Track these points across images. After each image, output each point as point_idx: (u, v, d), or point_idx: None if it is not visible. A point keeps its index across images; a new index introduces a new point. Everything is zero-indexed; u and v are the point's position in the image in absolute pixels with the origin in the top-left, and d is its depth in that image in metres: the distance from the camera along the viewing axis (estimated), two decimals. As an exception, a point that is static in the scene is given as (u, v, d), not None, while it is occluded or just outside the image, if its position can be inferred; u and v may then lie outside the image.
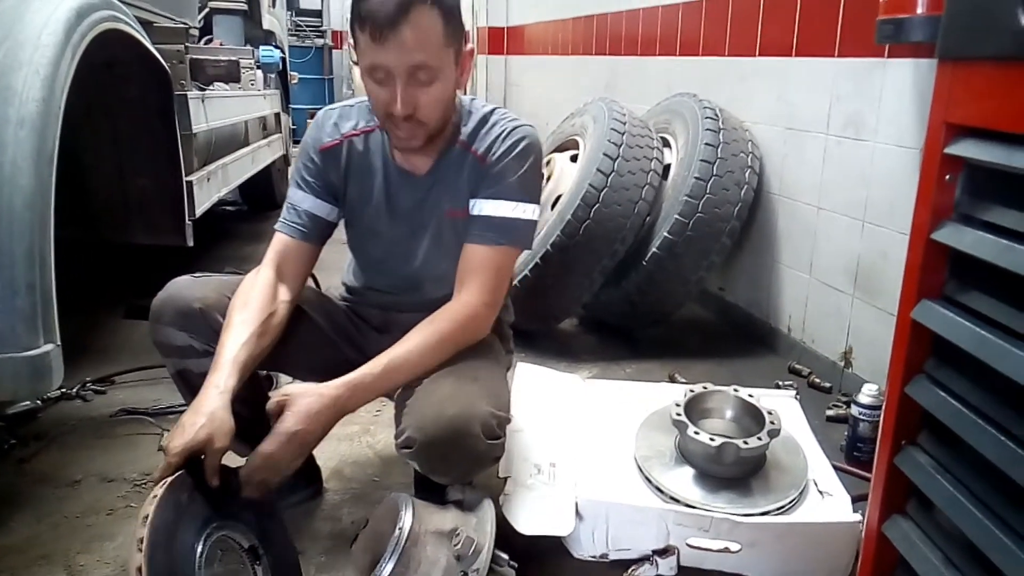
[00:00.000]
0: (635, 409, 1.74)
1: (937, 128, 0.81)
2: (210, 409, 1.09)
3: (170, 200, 1.99)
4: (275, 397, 1.17)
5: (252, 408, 1.25)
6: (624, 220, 2.45)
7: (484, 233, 1.34)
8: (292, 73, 5.25)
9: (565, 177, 2.69)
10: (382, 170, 1.42)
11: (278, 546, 1.20)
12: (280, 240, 1.41)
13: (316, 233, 1.43)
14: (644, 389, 1.95)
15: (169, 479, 1.01)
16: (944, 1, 0.82)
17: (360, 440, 1.94)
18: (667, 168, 2.66)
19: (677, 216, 2.44)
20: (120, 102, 1.84)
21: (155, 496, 0.98)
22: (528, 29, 5.97)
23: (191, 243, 2.17)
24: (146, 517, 0.94)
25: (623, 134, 2.54)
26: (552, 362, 2.37)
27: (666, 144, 2.76)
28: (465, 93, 1.46)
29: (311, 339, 1.47)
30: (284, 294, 1.35)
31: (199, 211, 2.29)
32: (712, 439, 1.46)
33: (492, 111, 1.41)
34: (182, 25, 2.40)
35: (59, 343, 1.15)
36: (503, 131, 1.36)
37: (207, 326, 1.31)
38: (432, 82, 1.22)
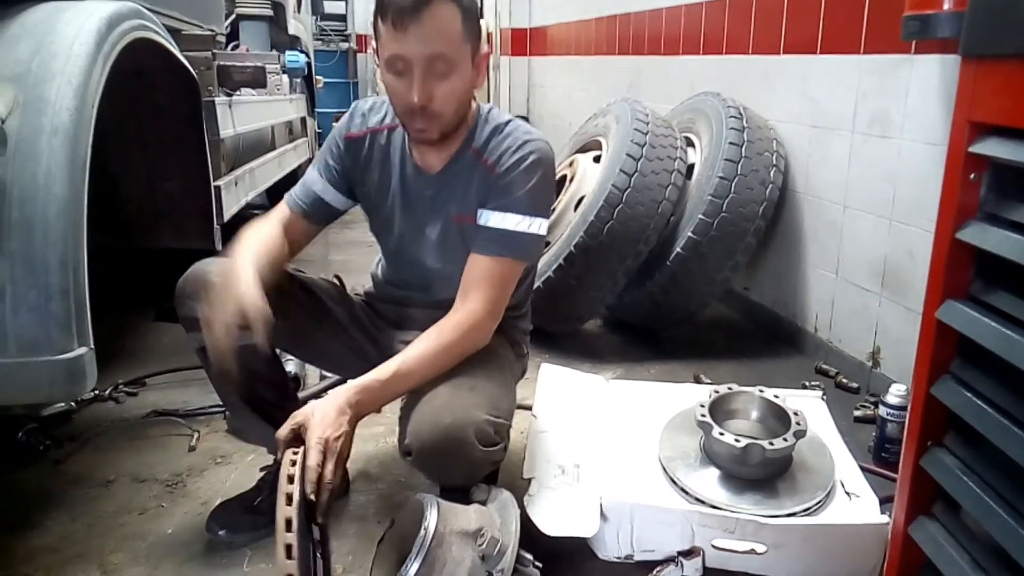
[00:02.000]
0: (659, 410, 1.74)
1: (961, 127, 0.80)
2: (246, 288, 1.20)
3: (198, 205, 2.03)
4: (287, 424, 1.19)
5: (277, 390, 1.45)
6: (648, 220, 2.45)
7: (489, 244, 1.36)
8: (317, 77, 5.31)
9: (588, 178, 2.70)
10: (399, 165, 1.47)
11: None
12: (285, 208, 1.50)
13: (317, 215, 1.51)
14: (668, 390, 1.94)
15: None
16: (969, -2, 0.81)
17: (386, 440, 1.95)
18: (691, 168, 2.65)
19: (701, 216, 2.43)
20: (149, 109, 1.87)
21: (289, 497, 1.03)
22: (551, 30, 5.98)
23: (220, 247, 2.20)
24: (288, 520, 1.00)
25: (646, 134, 2.53)
26: (576, 363, 2.37)
27: (690, 144, 2.75)
28: (486, 98, 1.48)
29: (331, 330, 1.55)
30: (285, 247, 1.44)
31: (227, 215, 2.32)
32: (737, 440, 1.45)
33: (508, 122, 1.42)
34: (209, 32, 2.43)
35: (92, 347, 1.18)
36: (514, 143, 1.38)
37: None
38: (449, 74, 1.27)
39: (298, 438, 1.17)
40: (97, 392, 2.15)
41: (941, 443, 0.85)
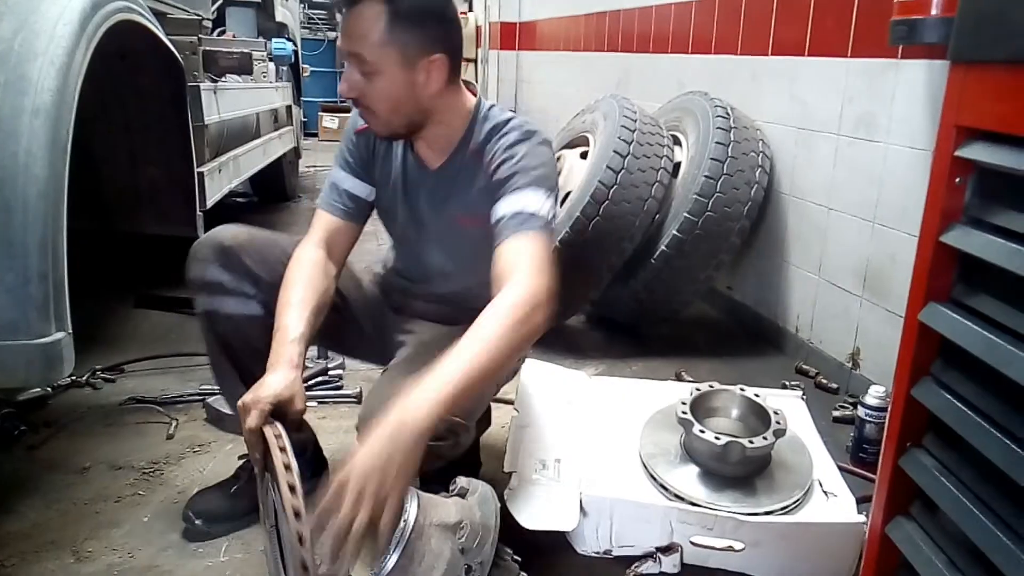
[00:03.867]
0: (641, 406, 1.74)
1: (948, 130, 0.81)
2: (289, 377, 1.17)
3: (181, 190, 2.00)
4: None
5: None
6: (633, 217, 2.45)
7: (513, 226, 1.27)
8: (304, 66, 5.26)
9: (575, 174, 2.70)
10: (402, 156, 1.47)
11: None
12: (323, 218, 1.46)
13: (357, 212, 1.49)
14: (650, 387, 1.95)
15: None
16: (957, 3, 0.81)
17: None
18: (677, 166, 2.66)
19: (687, 214, 2.44)
20: (133, 92, 1.85)
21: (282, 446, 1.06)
22: (540, 25, 5.97)
23: (202, 234, 2.18)
24: (292, 486, 1.00)
25: (633, 131, 2.54)
26: (559, 359, 2.38)
27: (677, 142, 2.76)
28: (476, 95, 1.45)
29: (339, 315, 1.52)
30: (331, 270, 1.41)
31: (210, 202, 2.30)
32: (718, 438, 1.46)
33: (507, 120, 1.39)
34: (195, 17, 2.41)
35: (70, 331, 1.16)
36: (513, 140, 1.35)
37: (239, 262, 1.38)
38: (371, 76, 1.26)
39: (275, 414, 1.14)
40: (74, 377, 2.12)
41: (920, 444, 0.86)
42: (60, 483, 1.67)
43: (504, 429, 1.81)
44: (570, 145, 2.95)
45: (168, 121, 1.91)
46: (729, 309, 3.01)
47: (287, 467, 1.03)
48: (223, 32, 3.62)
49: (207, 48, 2.42)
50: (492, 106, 1.43)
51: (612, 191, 2.43)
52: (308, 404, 1.22)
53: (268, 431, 1.09)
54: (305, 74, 5.28)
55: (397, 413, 1.03)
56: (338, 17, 1.26)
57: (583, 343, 2.69)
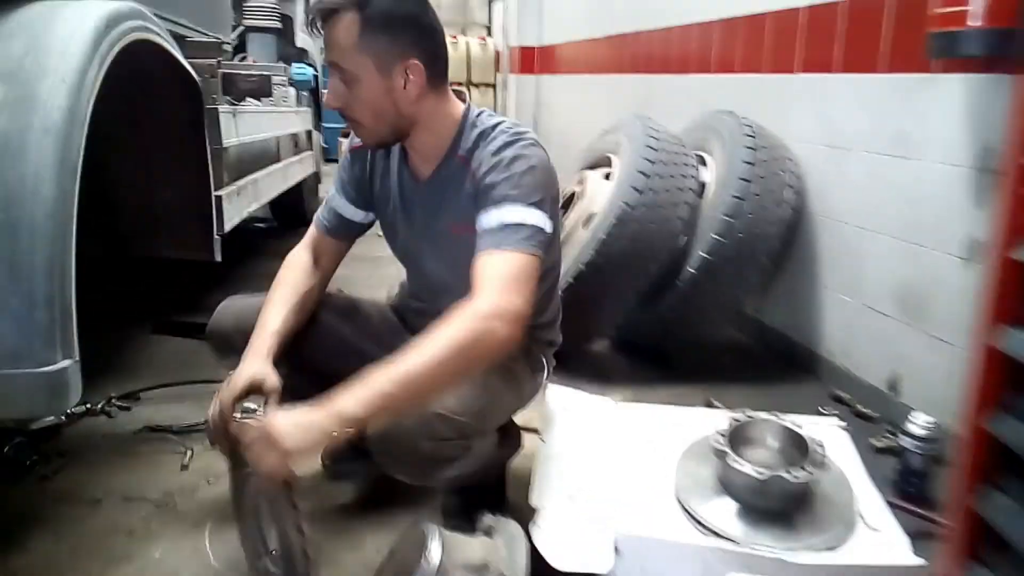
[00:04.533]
0: (672, 436, 1.67)
1: (1020, 140, 0.74)
2: (256, 364, 1.28)
3: (198, 215, 1.97)
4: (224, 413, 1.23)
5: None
6: (659, 239, 2.38)
7: (488, 240, 1.26)
8: (324, 91, 5.27)
9: (598, 195, 2.64)
10: (397, 171, 1.48)
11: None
12: (313, 230, 1.56)
13: (342, 231, 1.54)
14: (681, 415, 1.87)
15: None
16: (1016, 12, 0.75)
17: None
18: (703, 186, 2.59)
19: (714, 235, 2.37)
20: (150, 114, 1.82)
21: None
22: (559, 48, 5.95)
23: (219, 258, 2.14)
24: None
25: (658, 151, 2.48)
26: (583, 384, 2.29)
27: (702, 162, 2.69)
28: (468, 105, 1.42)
29: (337, 348, 1.51)
30: (317, 275, 1.51)
31: (228, 226, 2.26)
32: (760, 472, 1.38)
33: (495, 125, 1.37)
34: (215, 40, 2.39)
35: (78, 359, 1.11)
36: (499, 145, 1.33)
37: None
38: (352, 85, 1.29)
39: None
40: (88, 406, 2.07)
41: (995, 483, 0.78)
42: (71, 516, 1.61)
43: (530, 459, 1.74)
44: (593, 166, 2.89)
45: (186, 144, 1.89)
46: (758, 333, 2.92)
47: None
48: (244, 58, 3.63)
49: (226, 71, 2.41)
50: (482, 112, 1.42)
51: (637, 212, 2.37)
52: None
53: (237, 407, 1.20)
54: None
55: (330, 399, 1.10)
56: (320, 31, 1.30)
57: (608, 368, 2.61)
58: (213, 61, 2.22)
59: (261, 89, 2.56)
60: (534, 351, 1.53)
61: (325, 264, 1.53)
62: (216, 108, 2.16)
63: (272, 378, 1.28)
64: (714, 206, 2.45)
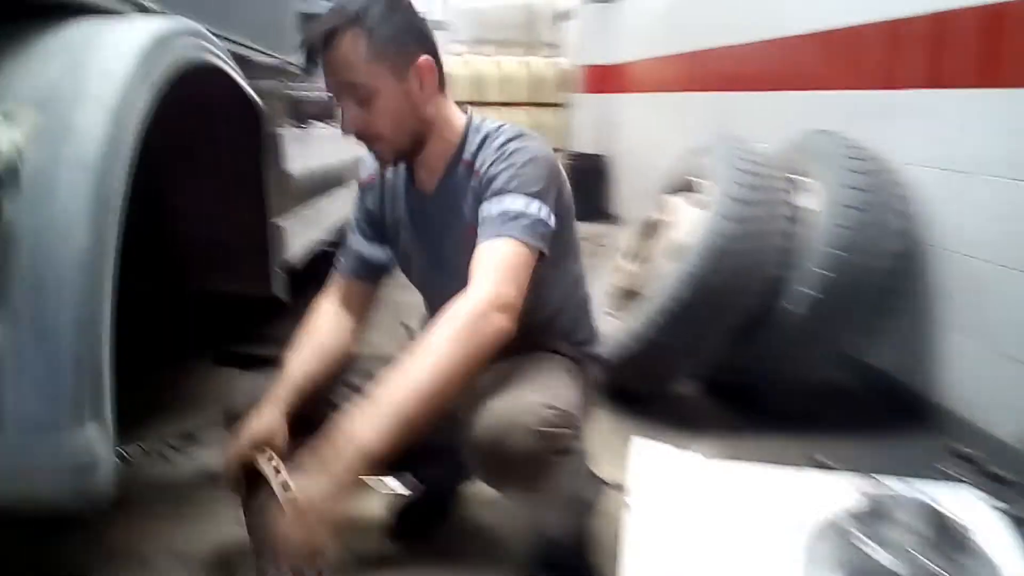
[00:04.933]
0: (782, 504, 1.44)
1: None
2: (268, 416, 1.28)
3: (256, 246, 1.84)
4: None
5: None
6: (755, 273, 2.16)
7: (486, 230, 1.25)
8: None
9: (684, 224, 2.43)
10: (404, 194, 1.44)
11: None
12: (336, 277, 1.49)
13: (364, 273, 1.48)
14: (791, 478, 1.63)
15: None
16: None
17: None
18: (800, 214, 2.35)
19: (816, 269, 2.13)
20: (208, 141, 1.70)
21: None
22: (632, 66, 5.75)
23: (283, 295, 2.00)
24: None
25: (751, 176, 2.26)
26: (667, 431, 2.11)
27: (800, 188, 2.46)
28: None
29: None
30: (346, 322, 1.45)
31: (294, 258, 2.14)
32: (899, 562, 1.15)
33: (499, 127, 1.35)
34: (281, 61, 2.28)
35: (109, 424, 0.96)
36: (502, 141, 1.31)
37: None
38: (370, 101, 1.26)
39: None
40: (143, 446, 1.97)
41: None
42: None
43: (612, 520, 1.54)
44: (675, 191, 2.68)
45: (245, 171, 1.76)
46: (863, 376, 2.63)
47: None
48: (309, 78, 3.55)
49: (291, 93, 2.30)
50: (485, 119, 1.40)
51: (729, 243, 2.15)
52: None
53: (261, 458, 1.20)
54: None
55: (344, 438, 1.07)
56: (319, 64, 1.27)
57: (695, 413, 2.39)
58: (278, 83, 2.11)
59: (327, 113, 2.45)
60: (572, 354, 1.45)
61: (355, 310, 1.46)
62: (278, 133, 2.04)
63: (279, 437, 1.27)
64: (815, 236, 2.21)
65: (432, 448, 1.24)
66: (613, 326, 2.45)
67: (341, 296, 1.46)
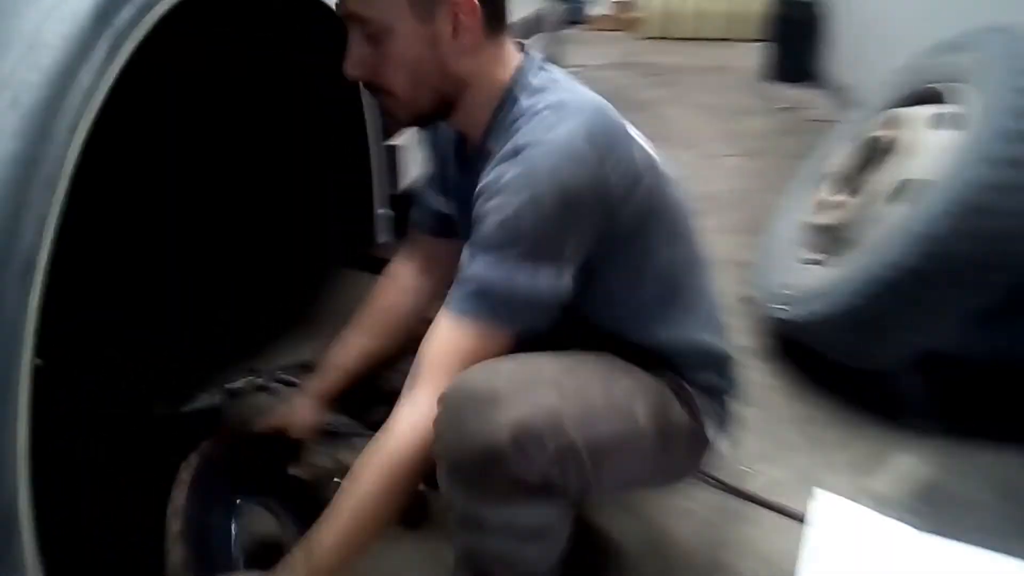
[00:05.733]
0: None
1: None
2: (296, 404, 1.31)
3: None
4: None
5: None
6: (1018, 240, 1.55)
7: (452, 295, 1.00)
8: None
9: (921, 153, 1.80)
10: (454, 153, 1.18)
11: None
12: (410, 236, 1.37)
13: (442, 228, 1.29)
14: (975, 563, 1.15)
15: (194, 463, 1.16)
16: None
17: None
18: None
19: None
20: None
21: (182, 482, 1.12)
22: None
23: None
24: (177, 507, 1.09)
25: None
26: (867, 425, 1.74)
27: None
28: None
29: None
30: (423, 285, 1.33)
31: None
32: None
33: (537, 108, 0.97)
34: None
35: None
36: (514, 148, 0.95)
37: None
38: (381, 40, 0.97)
39: None
40: (253, 378, 1.82)
41: None
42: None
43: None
44: (914, 101, 2.02)
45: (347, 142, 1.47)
46: None
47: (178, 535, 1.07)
48: None
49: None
50: (542, 69, 1.04)
51: (987, 195, 1.55)
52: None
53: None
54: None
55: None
56: None
57: (906, 406, 1.85)
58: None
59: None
60: (685, 391, 1.11)
61: (433, 271, 1.32)
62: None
63: (296, 427, 1.30)
64: None
65: None
66: (812, 274, 1.97)
67: (416, 254, 1.34)
